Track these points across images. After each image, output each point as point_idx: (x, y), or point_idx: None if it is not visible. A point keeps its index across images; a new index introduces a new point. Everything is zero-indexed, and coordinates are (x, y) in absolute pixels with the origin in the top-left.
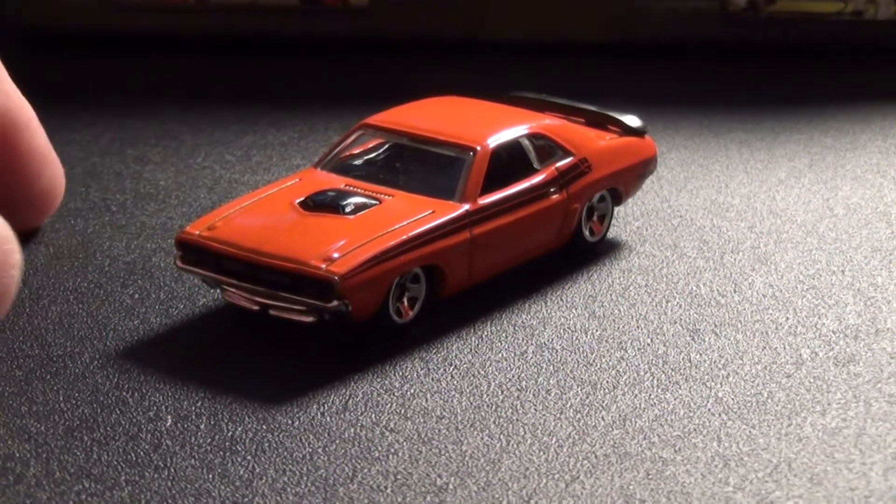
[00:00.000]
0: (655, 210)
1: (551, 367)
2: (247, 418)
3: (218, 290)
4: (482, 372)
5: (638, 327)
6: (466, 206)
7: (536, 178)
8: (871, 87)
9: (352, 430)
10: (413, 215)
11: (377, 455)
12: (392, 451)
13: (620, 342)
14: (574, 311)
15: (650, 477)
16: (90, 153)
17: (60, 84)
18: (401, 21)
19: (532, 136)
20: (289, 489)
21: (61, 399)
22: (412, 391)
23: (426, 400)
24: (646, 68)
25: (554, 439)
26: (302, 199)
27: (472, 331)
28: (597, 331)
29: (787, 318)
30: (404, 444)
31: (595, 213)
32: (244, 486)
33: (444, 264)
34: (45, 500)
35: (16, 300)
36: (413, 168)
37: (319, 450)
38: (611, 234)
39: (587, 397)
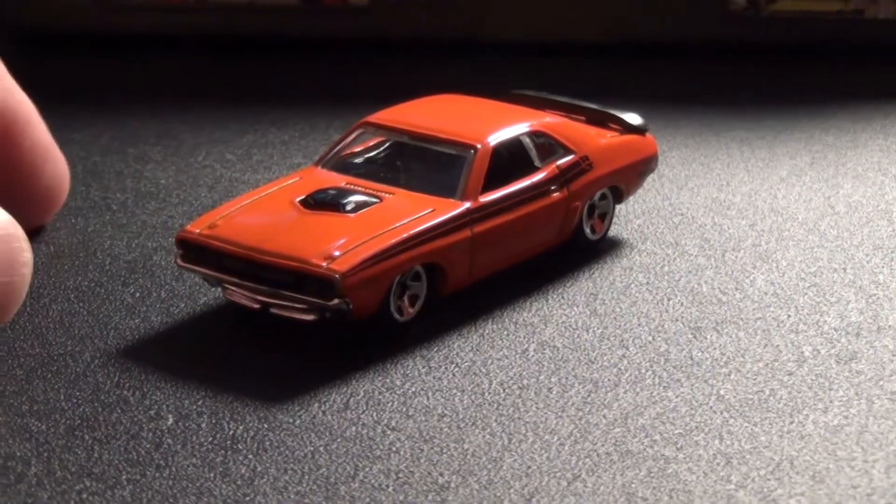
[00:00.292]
0: (656, 208)
1: (553, 365)
2: (248, 417)
3: (219, 289)
4: (483, 370)
5: (639, 325)
6: (467, 204)
7: (537, 176)
8: (871, 85)
9: (353, 428)
10: (414, 213)
11: (379, 453)
12: (394, 449)
13: (622, 340)
14: (575, 308)
15: (652, 475)
16: (91, 152)
17: (60, 84)
18: (401, 21)
19: (533, 134)
20: (290, 488)
21: (62, 398)
22: (413, 389)
23: (427, 398)
24: (646, 68)
25: (556, 437)
26: (303, 197)
27: (474, 329)
28: (598, 329)
29: (789, 316)
30: (406, 442)
31: (596, 211)
32: (245, 485)
33: (445, 262)
34: (46, 499)
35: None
36: (414, 166)
37: (321, 448)
38: (612, 232)
39: (589, 395)
